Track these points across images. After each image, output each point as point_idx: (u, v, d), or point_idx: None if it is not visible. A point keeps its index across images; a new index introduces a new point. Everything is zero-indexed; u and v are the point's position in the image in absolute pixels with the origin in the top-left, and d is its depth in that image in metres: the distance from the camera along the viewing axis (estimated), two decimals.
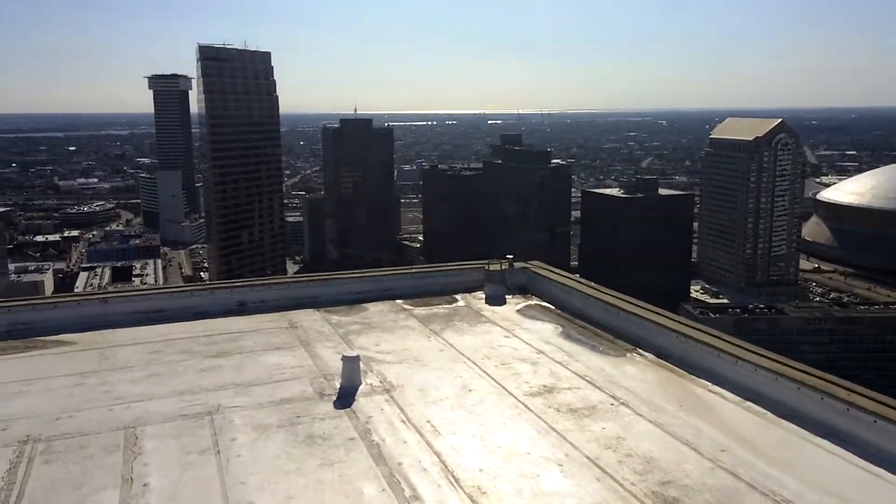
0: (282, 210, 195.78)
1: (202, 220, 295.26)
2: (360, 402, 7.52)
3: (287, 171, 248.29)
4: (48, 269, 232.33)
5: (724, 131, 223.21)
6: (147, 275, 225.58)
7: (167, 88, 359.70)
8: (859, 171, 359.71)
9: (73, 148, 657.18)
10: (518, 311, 11.19)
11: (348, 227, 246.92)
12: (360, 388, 7.84)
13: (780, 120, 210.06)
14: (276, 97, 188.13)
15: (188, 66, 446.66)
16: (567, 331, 10.08)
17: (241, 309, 10.93)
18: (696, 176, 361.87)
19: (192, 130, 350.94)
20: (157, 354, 9.08)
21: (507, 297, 11.82)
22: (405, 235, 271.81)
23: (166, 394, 7.75)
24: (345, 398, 7.60)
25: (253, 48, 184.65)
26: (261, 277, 11.93)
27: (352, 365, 7.85)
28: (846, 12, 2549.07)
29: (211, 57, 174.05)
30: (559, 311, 11.09)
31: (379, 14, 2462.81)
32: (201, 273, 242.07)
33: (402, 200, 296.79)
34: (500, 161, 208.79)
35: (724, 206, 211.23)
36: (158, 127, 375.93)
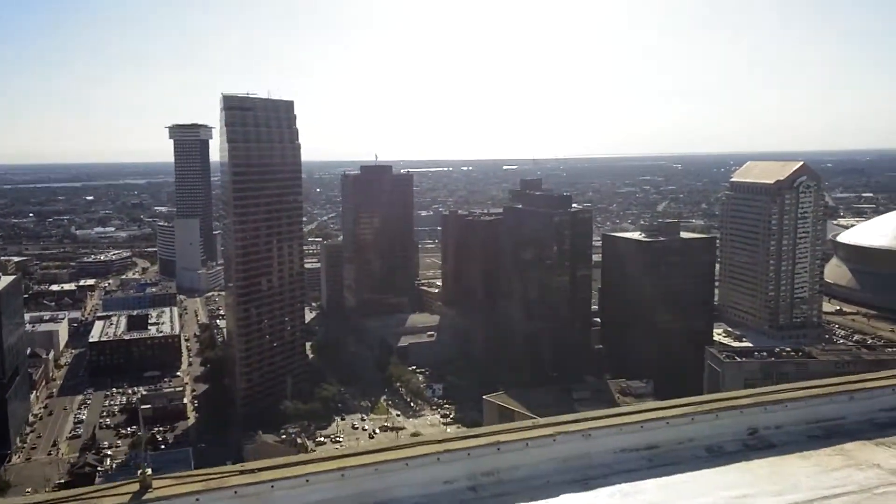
0: (301, 257, 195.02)
1: (219, 268, 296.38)
2: None
3: (304, 218, 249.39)
4: (63, 319, 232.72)
5: (745, 174, 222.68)
6: (163, 323, 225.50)
7: (188, 138, 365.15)
8: (876, 212, 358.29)
9: (90, 197, 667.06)
10: None
11: (367, 272, 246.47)
12: None
13: (801, 163, 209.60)
14: (299, 145, 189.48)
15: (206, 116, 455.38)
16: None
17: (758, 440, 8.44)
18: (713, 219, 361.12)
19: (213, 179, 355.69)
20: None
21: None
22: (423, 280, 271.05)
23: None
24: None
25: (276, 97, 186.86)
26: (769, 390, 9.10)
27: None
28: (857, 56, 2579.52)
29: (235, 106, 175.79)
30: None
31: (392, 65, 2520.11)
32: (217, 321, 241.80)
33: (420, 246, 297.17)
34: (519, 206, 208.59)
35: (745, 248, 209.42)
36: (178, 176, 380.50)
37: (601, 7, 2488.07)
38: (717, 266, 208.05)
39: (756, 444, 8.38)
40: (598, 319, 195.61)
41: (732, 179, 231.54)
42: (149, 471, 6.59)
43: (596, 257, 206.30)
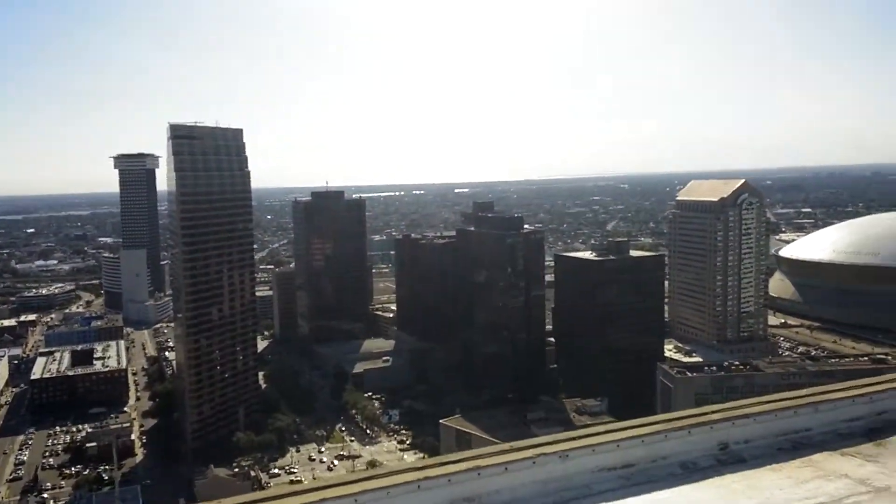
0: (253, 285, 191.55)
1: (167, 299, 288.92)
2: None
3: (255, 246, 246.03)
4: (3, 356, 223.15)
5: (690, 193, 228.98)
6: (109, 357, 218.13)
7: (134, 167, 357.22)
8: (815, 227, 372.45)
9: (31, 230, 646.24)
10: None
11: (320, 299, 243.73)
12: None
13: (743, 181, 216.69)
14: (248, 172, 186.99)
15: (153, 145, 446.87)
16: None
17: (729, 455, 8.49)
18: (660, 237, 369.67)
19: (160, 208, 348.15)
20: None
21: None
22: (378, 306, 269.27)
23: None
24: None
25: (224, 125, 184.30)
26: (737, 405, 9.19)
27: None
28: (794, 73, 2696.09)
29: (182, 135, 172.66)
30: None
31: (340, 90, 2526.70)
32: (166, 353, 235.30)
33: (374, 270, 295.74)
34: (472, 228, 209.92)
35: (692, 265, 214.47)
36: (123, 206, 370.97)
37: (545, 30, 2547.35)
38: (667, 283, 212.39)
39: (727, 459, 8.48)
40: (552, 339, 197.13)
41: (678, 198, 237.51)
42: None
43: (549, 277, 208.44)
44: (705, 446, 8.56)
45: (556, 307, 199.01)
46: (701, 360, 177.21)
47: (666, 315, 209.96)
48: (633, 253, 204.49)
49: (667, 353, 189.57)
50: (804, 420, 9.20)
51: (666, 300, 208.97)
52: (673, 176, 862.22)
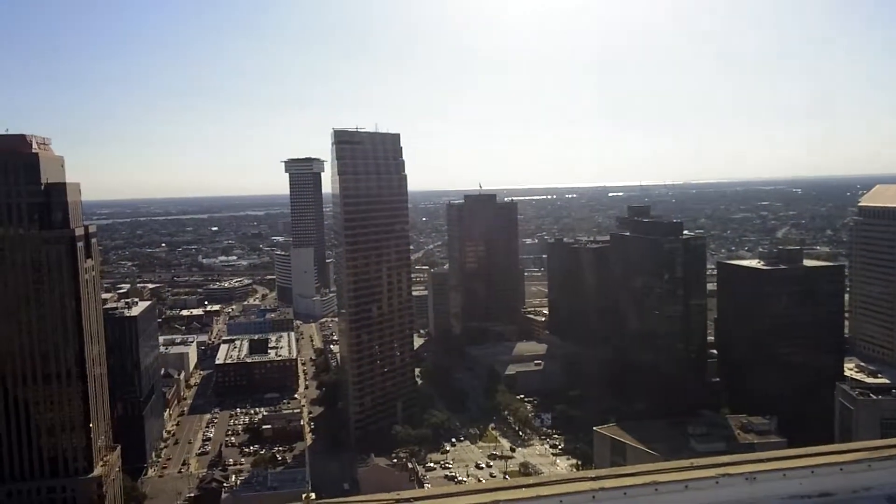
0: (409, 284, 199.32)
1: (332, 295, 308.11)
2: None
3: (411, 247, 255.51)
4: (192, 342, 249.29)
5: (875, 199, 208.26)
6: (281, 347, 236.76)
7: (302, 171, 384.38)
8: None
9: (215, 228, 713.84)
10: None
11: (473, 300, 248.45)
12: None
13: None
14: (405, 176, 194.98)
15: (319, 150, 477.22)
16: None
17: None
18: (839, 246, 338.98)
19: (325, 209, 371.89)
20: None
21: None
22: (530, 308, 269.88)
23: None
24: None
25: (383, 130, 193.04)
26: None
27: None
28: None
29: (345, 140, 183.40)
30: None
31: (494, 94, 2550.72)
32: (331, 346, 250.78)
33: (525, 274, 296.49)
34: (627, 233, 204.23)
35: (879, 277, 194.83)
36: (293, 207, 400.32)
37: (710, 26, 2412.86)
38: (847, 296, 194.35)
39: None
40: (715, 351, 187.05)
41: (861, 204, 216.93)
42: (312, 495, 7.57)
43: (710, 286, 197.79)
44: None
45: (718, 318, 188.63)
46: (888, 381, 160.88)
47: (846, 331, 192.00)
48: (807, 262, 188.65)
49: (847, 373, 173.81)
50: None
51: (846, 315, 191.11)
52: (854, 179, 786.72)
